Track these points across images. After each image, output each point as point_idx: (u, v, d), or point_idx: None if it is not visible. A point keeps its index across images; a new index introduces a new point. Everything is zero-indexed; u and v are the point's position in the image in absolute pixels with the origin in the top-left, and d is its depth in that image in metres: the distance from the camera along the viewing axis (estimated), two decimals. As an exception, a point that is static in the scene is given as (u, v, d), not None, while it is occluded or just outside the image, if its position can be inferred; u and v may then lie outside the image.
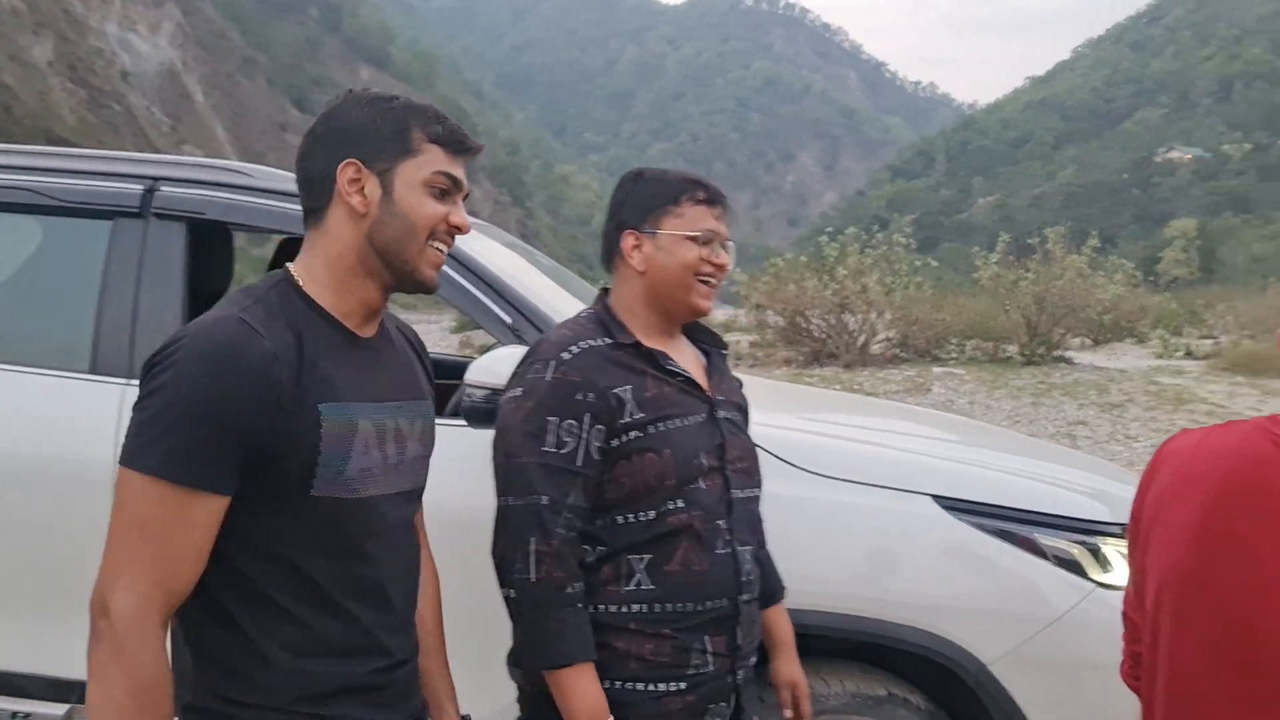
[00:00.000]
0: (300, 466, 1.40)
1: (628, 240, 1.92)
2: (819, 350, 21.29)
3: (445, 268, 2.32)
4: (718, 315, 32.93)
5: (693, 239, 1.90)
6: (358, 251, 1.49)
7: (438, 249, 1.53)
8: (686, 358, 1.97)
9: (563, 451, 1.78)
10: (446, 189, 1.52)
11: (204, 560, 1.37)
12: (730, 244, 1.97)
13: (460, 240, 2.31)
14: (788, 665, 2.07)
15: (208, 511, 1.35)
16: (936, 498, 2.40)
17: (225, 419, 1.34)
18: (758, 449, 2.23)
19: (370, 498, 1.47)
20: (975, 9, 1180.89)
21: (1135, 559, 1.38)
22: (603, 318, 1.92)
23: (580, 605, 1.77)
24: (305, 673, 1.42)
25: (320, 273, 1.50)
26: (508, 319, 2.55)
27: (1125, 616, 1.50)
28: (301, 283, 1.49)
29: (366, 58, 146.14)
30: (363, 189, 1.48)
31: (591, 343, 1.86)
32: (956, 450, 2.92)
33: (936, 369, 19.85)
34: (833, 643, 2.44)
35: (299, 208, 1.55)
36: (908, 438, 3.01)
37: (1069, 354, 21.01)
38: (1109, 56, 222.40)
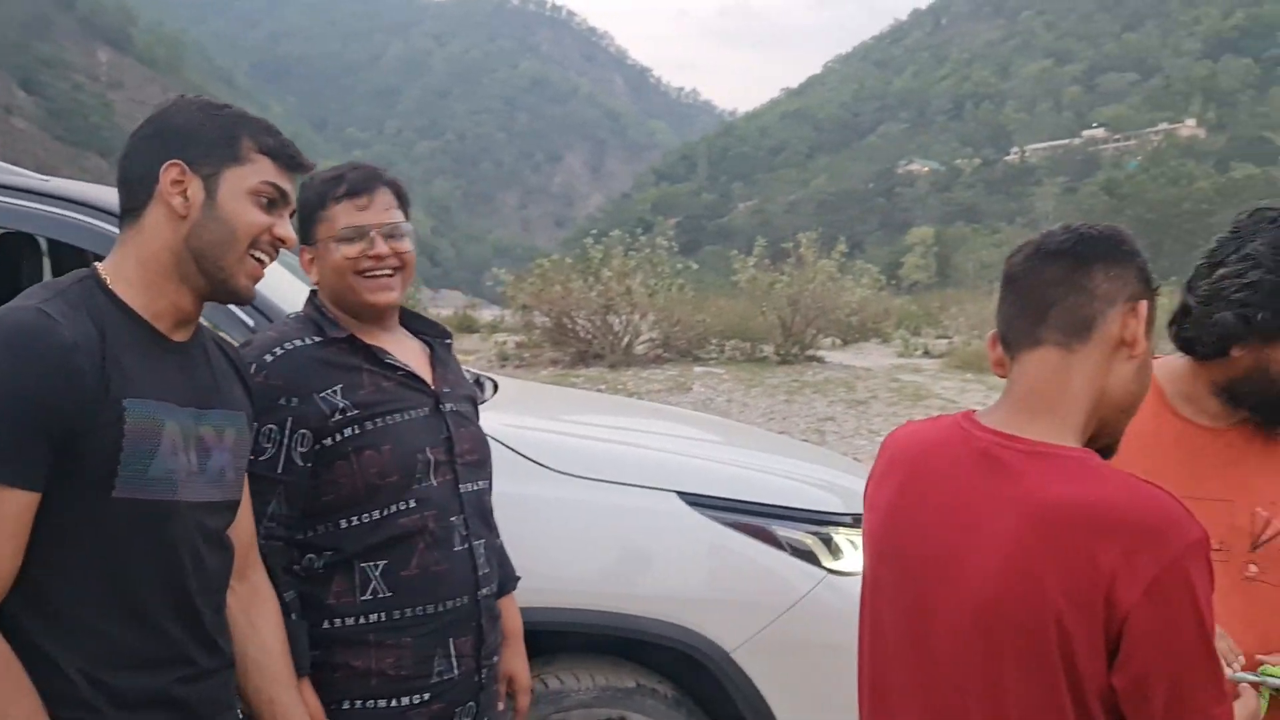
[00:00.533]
0: (102, 464, 1.34)
1: (304, 256, 1.90)
2: (585, 351, 21.56)
3: None
4: (484, 315, 32.82)
5: (344, 240, 1.85)
6: (173, 253, 1.45)
7: (258, 259, 1.49)
8: (408, 351, 1.94)
9: (262, 459, 1.72)
10: (274, 200, 1.49)
11: (17, 561, 1.30)
12: (401, 224, 1.90)
13: None
14: (511, 658, 2.08)
15: (17, 508, 1.28)
16: (681, 494, 2.49)
17: (25, 409, 1.28)
18: (512, 451, 2.25)
19: (174, 503, 1.41)
20: (735, 22, 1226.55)
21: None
22: (314, 316, 1.87)
23: (293, 616, 1.73)
24: (104, 685, 1.35)
25: (131, 272, 1.45)
26: (250, 322, 2.46)
27: None
28: (109, 280, 1.44)
29: (105, 38, 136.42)
30: (185, 191, 1.44)
31: (297, 343, 1.81)
32: (702, 449, 3.04)
33: (697, 368, 20.49)
34: (585, 638, 2.49)
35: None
36: (657, 437, 3.11)
37: (821, 353, 22.17)
38: (856, 73, 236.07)
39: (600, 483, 2.47)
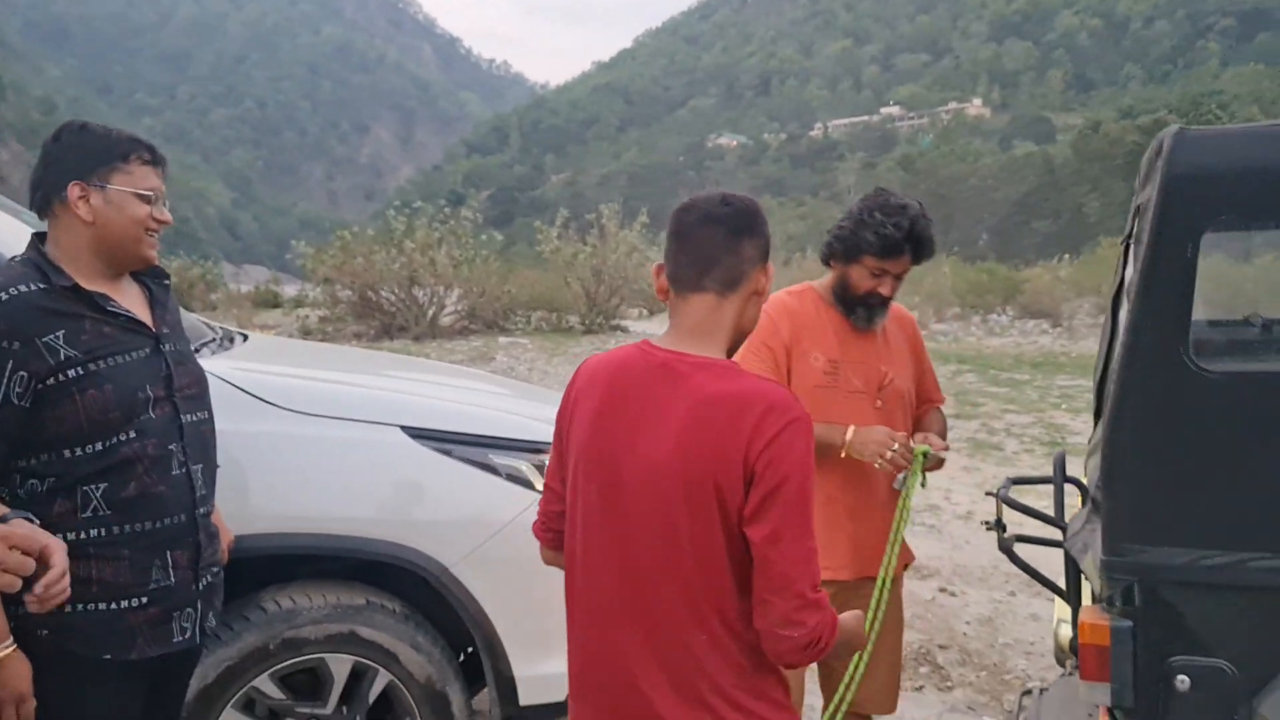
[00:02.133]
0: None
1: (73, 190, 2.01)
2: (389, 324, 21.36)
3: None
4: (288, 290, 31.87)
5: (142, 197, 2.05)
6: None
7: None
8: (130, 297, 2.10)
9: None
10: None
11: None
12: (166, 201, 2.12)
13: None
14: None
15: None
16: (405, 428, 2.74)
17: None
18: (244, 392, 2.45)
19: None
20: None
21: (559, 445, 1.92)
22: (39, 262, 1.99)
23: None
24: None
25: None
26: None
27: (547, 486, 1.98)
28: None
29: None
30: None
31: (22, 289, 1.93)
32: (430, 390, 3.30)
33: (503, 339, 20.63)
34: (317, 561, 2.72)
35: None
36: (390, 380, 3.37)
37: (625, 323, 22.70)
38: (666, 47, 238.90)
39: (327, 419, 2.68)
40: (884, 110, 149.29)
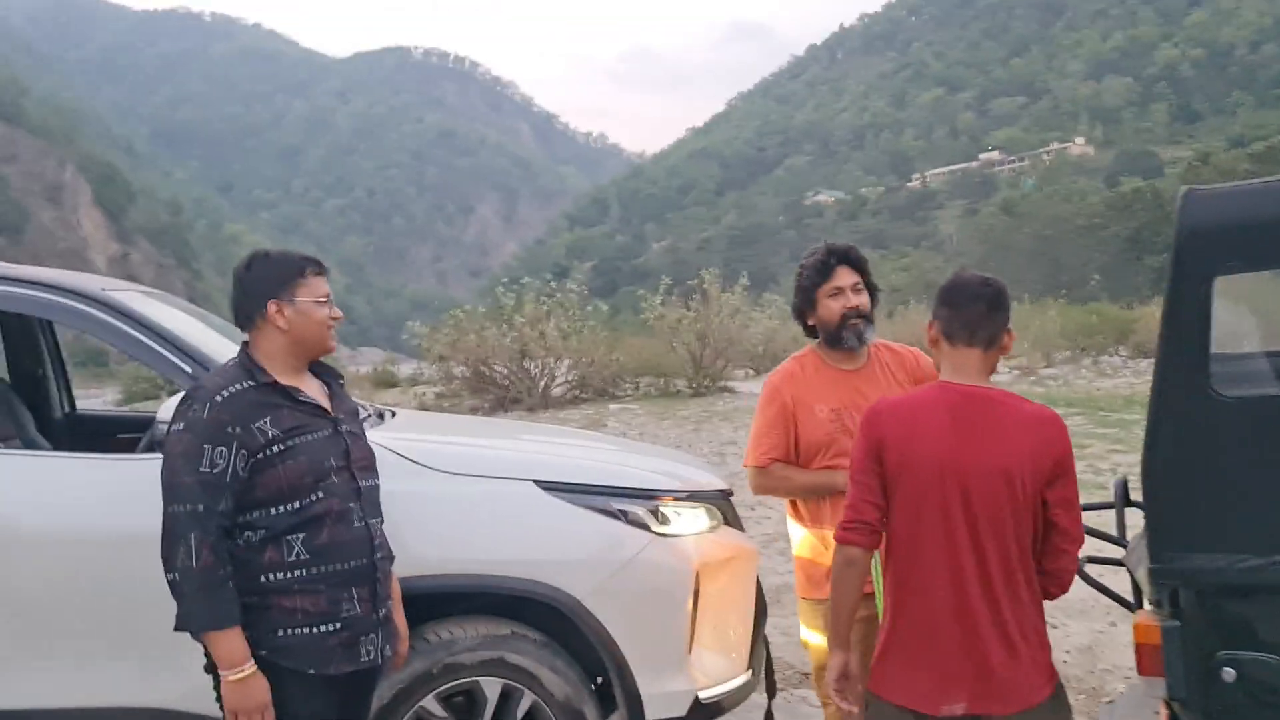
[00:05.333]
0: None
1: (271, 307, 2.55)
2: (503, 396, 22.09)
3: (140, 336, 2.94)
4: (403, 370, 33.10)
5: (320, 302, 2.60)
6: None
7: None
8: (313, 389, 2.65)
9: (214, 471, 2.39)
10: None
11: None
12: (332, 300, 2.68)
13: (145, 308, 2.96)
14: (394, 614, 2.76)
15: None
16: (537, 482, 3.22)
17: None
18: (401, 457, 2.96)
19: None
20: (636, 65, 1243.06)
21: (874, 464, 2.48)
22: (246, 364, 2.55)
23: (230, 584, 2.39)
24: None
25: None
26: (189, 369, 3.12)
27: (864, 487, 2.50)
28: None
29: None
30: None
31: (238, 386, 2.48)
32: (558, 449, 3.77)
33: (613, 406, 21.18)
34: (468, 599, 3.19)
35: None
36: (521, 443, 3.86)
37: (732, 384, 23.03)
38: (759, 109, 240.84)
39: (472, 477, 3.18)
40: (982, 156, 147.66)
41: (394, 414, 3.94)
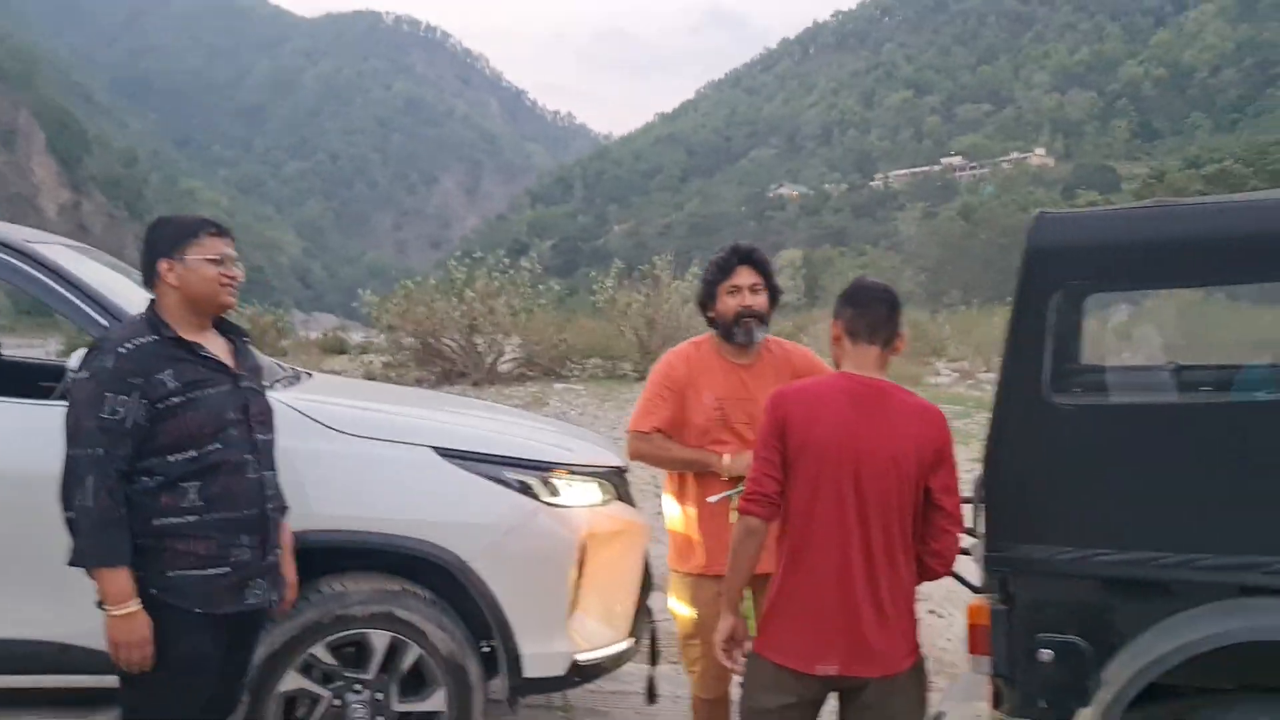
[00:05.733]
0: None
1: (162, 265, 2.72)
2: (450, 369, 22.14)
3: (61, 289, 3.07)
4: (355, 337, 32.99)
5: (211, 261, 2.73)
6: None
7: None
8: (218, 346, 2.81)
9: (116, 418, 2.55)
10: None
11: None
12: (239, 261, 2.82)
13: (67, 261, 3.11)
14: (284, 563, 2.94)
15: None
16: (435, 448, 3.40)
17: None
18: (305, 416, 3.12)
19: None
20: (611, 47, 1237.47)
21: (777, 443, 2.67)
22: (151, 319, 2.71)
23: (123, 526, 2.55)
24: None
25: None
26: (105, 322, 3.26)
27: (767, 463, 2.69)
28: None
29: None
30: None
31: (143, 340, 2.64)
32: (462, 419, 3.96)
33: (558, 385, 21.32)
34: (364, 555, 3.37)
35: None
36: (429, 412, 4.04)
37: (676, 370, 23.23)
38: (728, 99, 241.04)
39: (372, 440, 3.36)
40: (945, 160, 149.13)
41: (310, 375, 4.09)
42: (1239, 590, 2.57)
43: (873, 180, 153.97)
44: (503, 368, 22.95)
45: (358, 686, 3.30)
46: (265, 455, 2.80)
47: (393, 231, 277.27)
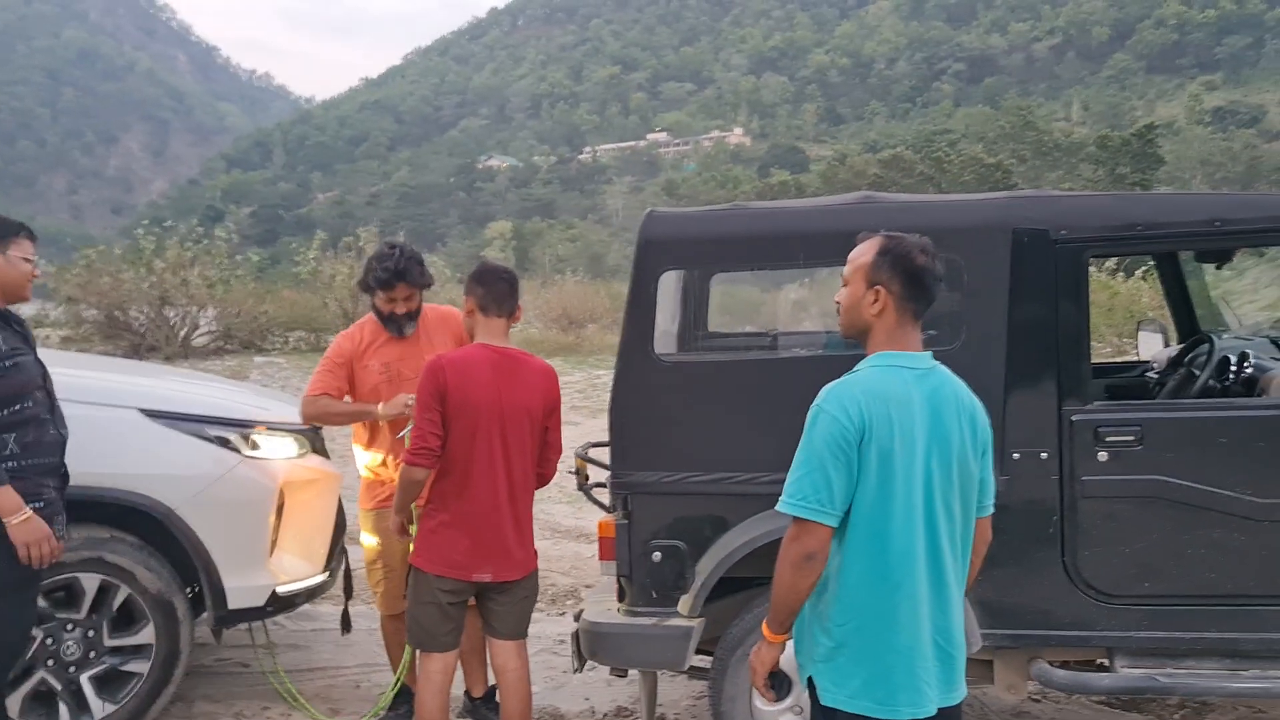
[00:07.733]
0: None
1: None
2: (140, 343, 21.23)
3: None
4: (26, 310, 30.61)
5: (28, 259, 3.27)
6: None
7: None
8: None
9: None
10: None
11: None
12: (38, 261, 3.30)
13: None
14: None
15: None
16: (142, 410, 3.79)
17: None
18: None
19: None
20: (312, 5, 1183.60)
21: (437, 404, 3.30)
22: None
23: None
24: None
25: None
26: None
27: (430, 422, 3.28)
28: None
29: None
30: None
31: None
32: (167, 383, 4.34)
33: (258, 359, 20.96)
34: (80, 507, 3.70)
35: None
36: (136, 378, 4.39)
37: (383, 341, 23.32)
38: (437, 67, 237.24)
39: (80, 403, 3.69)
40: (650, 136, 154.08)
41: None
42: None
43: (581, 154, 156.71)
44: (198, 341, 22.25)
45: (69, 625, 3.65)
46: (60, 416, 3.30)
47: (66, 195, 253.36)
